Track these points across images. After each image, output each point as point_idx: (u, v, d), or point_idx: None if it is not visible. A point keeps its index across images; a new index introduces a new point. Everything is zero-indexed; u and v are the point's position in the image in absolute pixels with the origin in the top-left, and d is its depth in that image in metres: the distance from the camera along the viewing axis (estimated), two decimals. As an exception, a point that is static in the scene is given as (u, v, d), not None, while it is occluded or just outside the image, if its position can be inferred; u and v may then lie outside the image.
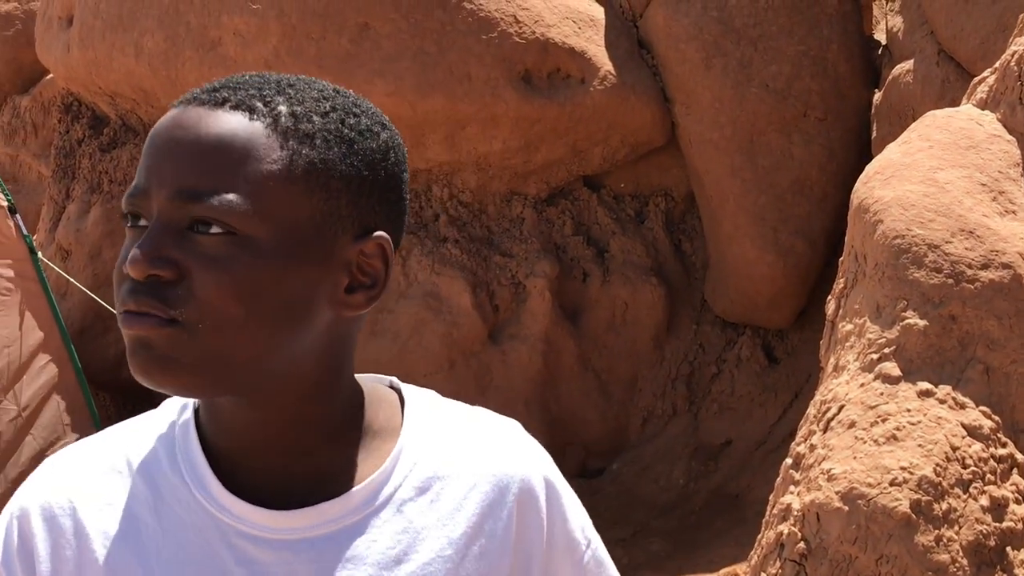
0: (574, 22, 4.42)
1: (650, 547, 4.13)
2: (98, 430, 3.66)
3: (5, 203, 3.73)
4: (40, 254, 3.86)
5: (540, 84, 4.37)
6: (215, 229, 0.76)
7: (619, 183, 4.87)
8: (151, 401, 4.06)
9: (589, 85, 4.38)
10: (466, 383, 4.35)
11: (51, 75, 5.47)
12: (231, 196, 0.76)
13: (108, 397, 4.91)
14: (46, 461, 0.87)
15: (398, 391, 0.90)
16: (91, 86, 4.82)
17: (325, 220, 0.79)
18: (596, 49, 4.43)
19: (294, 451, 0.83)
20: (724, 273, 4.58)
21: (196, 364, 0.77)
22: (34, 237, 4.12)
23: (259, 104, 0.79)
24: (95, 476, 0.84)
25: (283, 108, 0.79)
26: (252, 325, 0.77)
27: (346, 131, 0.80)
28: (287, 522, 0.81)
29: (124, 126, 4.95)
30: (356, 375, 0.88)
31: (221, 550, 0.81)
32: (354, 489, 0.83)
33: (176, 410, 0.87)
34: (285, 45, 4.20)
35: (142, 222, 0.78)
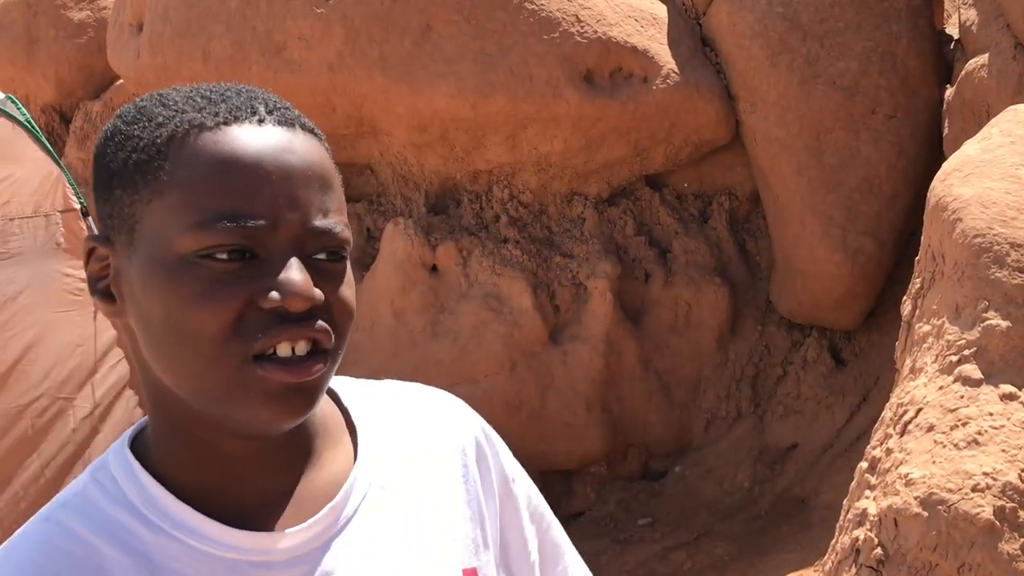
0: (636, 20, 4.39)
1: (714, 551, 4.07)
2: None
3: (78, 205, 3.82)
4: (112, 255, 3.95)
5: (602, 83, 4.35)
6: (335, 255, 0.76)
7: (682, 182, 4.82)
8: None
9: (651, 83, 4.35)
10: (527, 384, 4.34)
11: (121, 81, 5.59)
12: (342, 221, 0.76)
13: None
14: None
15: None
16: (160, 91, 4.92)
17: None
18: (659, 47, 4.39)
19: (282, 469, 0.81)
20: (790, 273, 4.51)
21: (322, 394, 0.77)
22: (106, 239, 4.22)
23: (310, 124, 0.79)
24: (61, 571, 0.74)
25: (306, 122, 0.80)
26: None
27: None
28: (298, 538, 0.79)
29: (191, 130, 5.04)
30: None
31: None
32: (342, 490, 0.82)
33: (99, 477, 0.79)
34: (348, 48, 4.24)
35: (234, 255, 0.73)
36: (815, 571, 3.53)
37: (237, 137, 0.74)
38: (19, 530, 0.77)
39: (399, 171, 4.69)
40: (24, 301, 3.61)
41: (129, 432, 0.83)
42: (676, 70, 4.38)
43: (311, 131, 0.78)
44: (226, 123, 0.74)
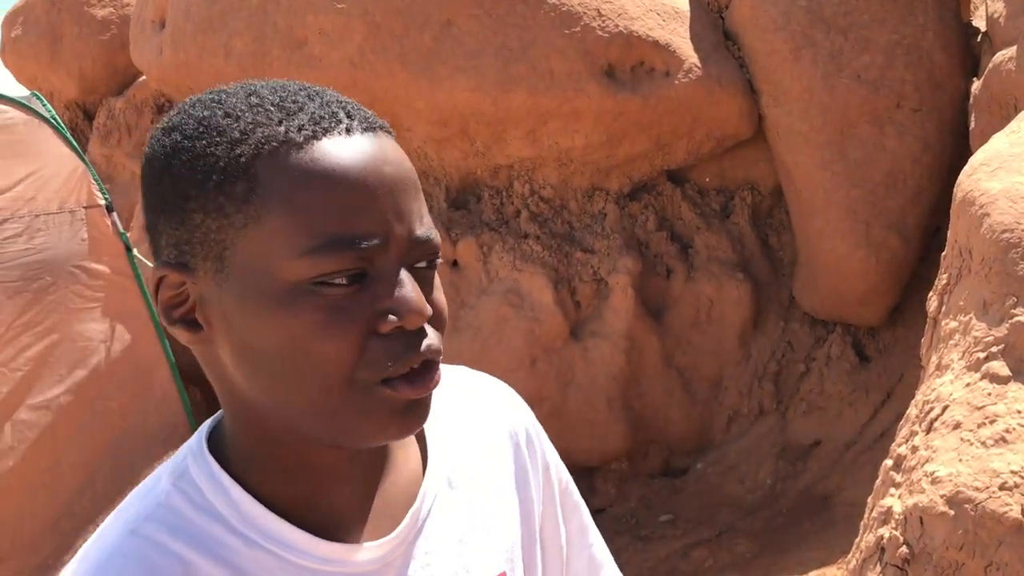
0: (658, 14, 4.36)
1: (736, 548, 4.05)
2: (191, 422, 3.72)
3: (103, 201, 3.85)
4: (136, 251, 3.97)
5: (623, 77, 4.32)
6: (430, 263, 0.75)
7: (704, 177, 4.79)
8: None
9: (674, 78, 4.32)
10: (547, 380, 4.33)
11: (144, 77, 5.62)
12: (433, 227, 0.75)
13: (199, 391, 5.03)
14: None
15: None
16: (182, 87, 4.94)
17: None
18: (681, 41, 4.36)
19: (371, 476, 0.81)
20: (813, 269, 4.47)
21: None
22: (129, 234, 4.24)
23: (388, 127, 0.77)
24: None
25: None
26: None
27: None
28: (388, 547, 0.79)
29: (213, 126, 5.06)
30: None
31: None
32: (419, 495, 0.82)
33: (182, 486, 0.76)
34: (369, 43, 4.24)
35: (345, 278, 0.70)
36: (838, 568, 3.50)
37: (332, 152, 0.70)
38: (100, 543, 0.74)
39: (419, 166, 4.69)
40: (49, 297, 3.63)
41: (202, 434, 0.79)
42: (698, 64, 4.35)
43: (387, 131, 0.75)
44: (315, 136, 0.70)
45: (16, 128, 3.64)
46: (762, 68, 4.40)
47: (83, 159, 3.85)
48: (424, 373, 0.72)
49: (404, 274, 0.71)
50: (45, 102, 3.81)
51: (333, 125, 0.71)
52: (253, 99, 0.72)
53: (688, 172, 4.79)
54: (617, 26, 4.26)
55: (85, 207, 3.77)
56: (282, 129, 0.69)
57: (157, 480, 0.77)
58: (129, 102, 5.94)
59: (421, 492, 0.83)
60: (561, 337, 4.40)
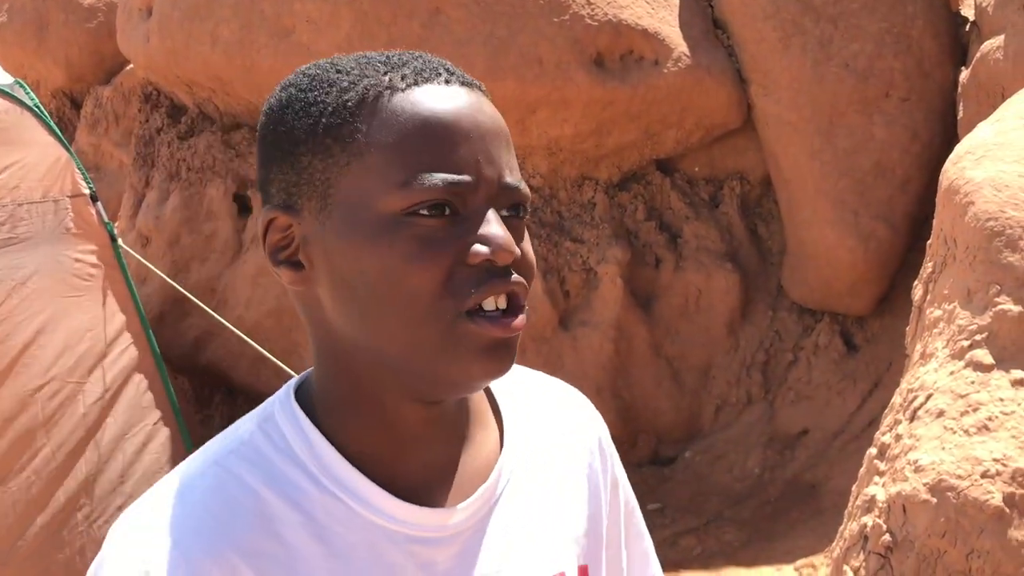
0: (647, 2, 4.35)
1: (724, 536, 4.06)
2: (176, 414, 3.70)
3: (87, 191, 3.82)
4: (120, 241, 3.95)
5: (612, 66, 4.31)
6: (519, 212, 0.78)
7: (693, 166, 4.78)
8: (227, 385, 4.12)
9: (663, 67, 4.31)
10: (536, 369, 4.33)
11: (131, 65, 5.59)
12: (522, 179, 0.79)
13: (186, 381, 5.02)
14: (156, 513, 0.75)
15: None
16: (169, 75, 4.91)
17: None
18: (670, 30, 4.35)
19: (449, 441, 0.82)
20: (802, 258, 4.47)
21: (517, 348, 0.78)
22: (115, 224, 4.22)
23: (480, 83, 0.81)
24: (237, 519, 0.75)
25: None
26: None
27: None
28: (455, 517, 0.80)
29: (201, 114, 5.04)
30: None
31: (399, 559, 0.78)
32: (493, 472, 0.83)
33: (266, 428, 0.79)
34: (357, 31, 4.22)
35: (446, 211, 0.74)
36: (826, 557, 3.51)
37: (431, 97, 0.75)
38: (182, 470, 0.77)
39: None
40: (33, 286, 3.61)
41: (291, 385, 0.82)
42: (687, 53, 4.34)
43: (485, 92, 0.80)
44: (416, 84, 0.76)
45: None
46: (751, 57, 4.39)
47: (67, 148, 3.82)
48: (507, 315, 0.75)
49: (492, 214, 0.75)
50: (29, 90, 3.78)
51: (433, 76, 0.76)
52: (362, 59, 0.78)
53: (677, 162, 4.78)
54: (606, 14, 4.24)
55: (69, 196, 3.75)
56: (387, 78, 0.75)
57: (243, 422, 0.81)
58: (117, 90, 5.90)
59: (497, 469, 0.83)
60: (550, 326, 4.39)
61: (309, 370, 0.83)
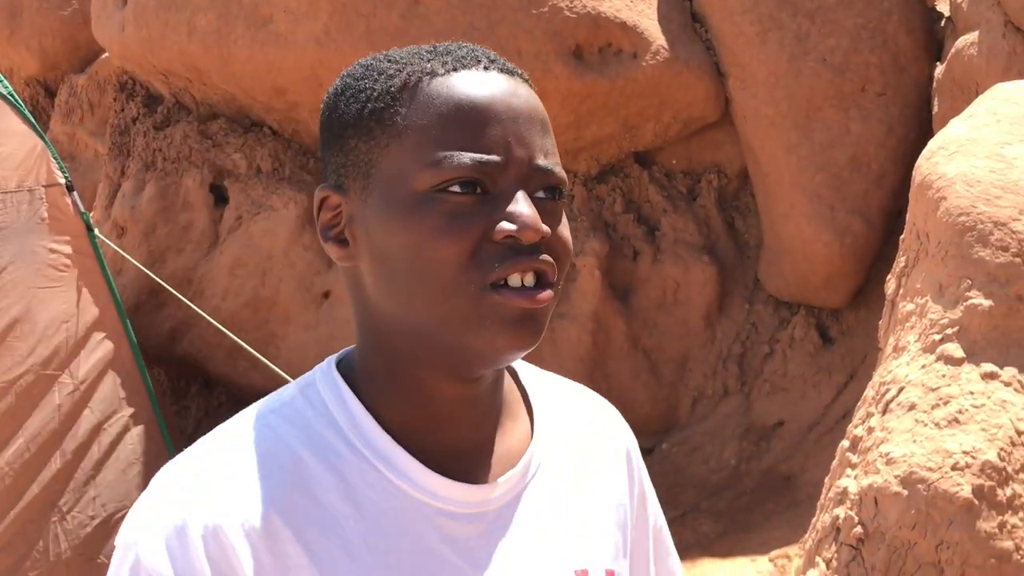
0: (626, -4, 4.35)
1: (700, 528, 4.09)
2: (153, 404, 3.68)
3: (63, 180, 3.79)
4: (97, 231, 3.92)
5: (591, 59, 4.32)
6: (554, 195, 0.80)
7: (671, 160, 4.80)
8: (203, 376, 4.09)
9: (641, 60, 4.32)
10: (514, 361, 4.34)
11: (107, 54, 5.54)
12: (559, 163, 0.81)
13: (162, 372, 4.99)
14: (193, 464, 0.78)
15: None
16: (145, 65, 4.87)
17: None
18: (648, 23, 4.36)
19: (481, 424, 0.85)
20: (778, 252, 4.50)
21: (545, 327, 0.80)
22: (91, 214, 4.19)
23: (524, 73, 0.84)
24: (273, 473, 0.77)
25: None
26: None
27: None
28: (485, 494, 0.82)
29: (177, 104, 5.00)
30: None
31: (425, 531, 0.80)
32: (522, 459, 0.85)
33: (308, 393, 0.83)
34: (335, 21, 4.20)
35: (479, 190, 0.77)
36: (800, 548, 3.55)
37: (467, 81, 0.79)
38: (224, 425, 0.81)
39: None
40: (8, 277, 3.58)
41: (332, 359, 0.86)
42: (666, 46, 4.35)
43: (528, 81, 0.83)
44: (455, 70, 0.79)
45: (-28, 105, 3.57)
46: (729, 51, 4.41)
47: (42, 137, 3.78)
48: (533, 289, 0.77)
49: (521, 194, 0.77)
50: (2, 78, 3.74)
51: (473, 63, 0.80)
52: (413, 49, 0.83)
53: (655, 155, 4.79)
54: (585, 7, 4.24)
55: (44, 186, 3.71)
56: (429, 65, 0.80)
57: (284, 389, 0.84)
58: (91, 79, 5.84)
59: (527, 456, 0.86)
60: (528, 319, 4.40)
61: (351, 347, 0.87)
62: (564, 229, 0.80)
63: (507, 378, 0.90)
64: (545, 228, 0.77)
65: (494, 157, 0.77)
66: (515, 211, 0.76)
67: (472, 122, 0.77)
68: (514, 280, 0.77)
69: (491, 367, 0.80)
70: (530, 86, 0.83)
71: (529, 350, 0.79)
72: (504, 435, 0.86)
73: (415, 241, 0.77)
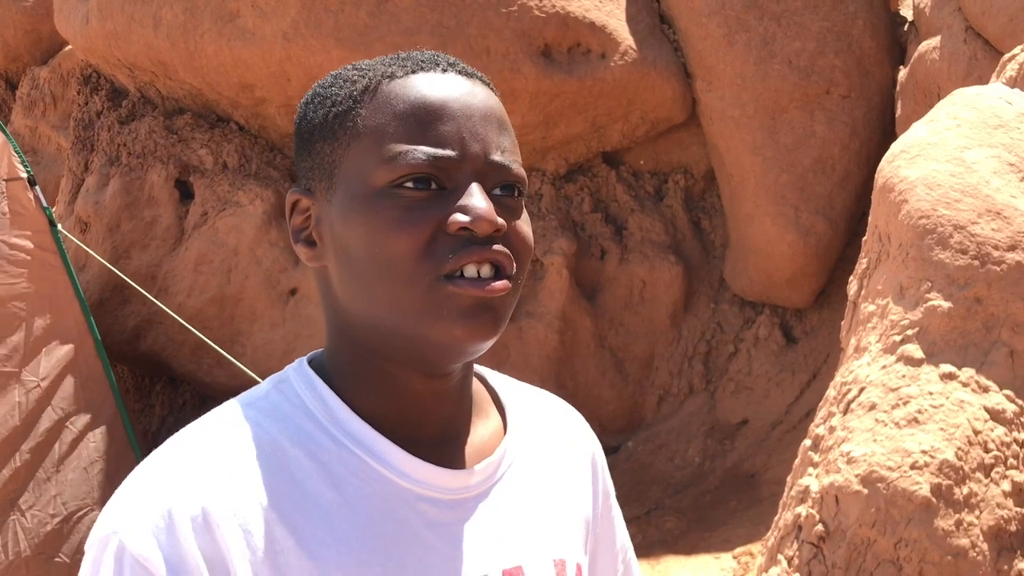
0: (595, -4, 4.37)
1: (664, 525, 4.12)
2: (117, 402, 3.65)
3: (25, 175, 3.74)
4: (60, 226, 3.87)
5: (560, 59, 4.33)
6: (512, 191, 0.82)
7: (638, 160, 4.83)
8: (168, 374, 4.05)
9: (610, 60, 4.34)
10: (482, 359, 4.32)
11: (70, 47, 5.46)
12: (519, 161, 0.83)
13: (126, 369, 4.94)
14: (177, 453, 0.78)
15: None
16: (110, 58, 4.81)
17: None
18: (617, 23, 4.38)
19: (453, 418, 0.87)
20: (743, 252, 4.55)
21: (507, 319, 0.81)
22: (53, 209, 4.13)
23: (486, 78, 0.86)
24: (257, 460, 0.78)
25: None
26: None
27: None
28: (464, 481, 0.84)
29: (143, 98, 4.94)
30: None
31: (409, 516, 0.81)
32: (496, 451, 0.88)
33: (282, 388, 0.84)
34: (304, 17, 4.18)
35: (434, 186, 0.79)
36: (763, 545, 3.58)
37: (424, 81, 0.81)
38: (200, 421, 0.81)
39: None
40: (-33, 272, 3.52)
41: (303, 358, 0.87)
42: (634, 47, 4.37)
43: (488, 84, 0.85)
44: (413, 72, 0.82)
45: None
46: (696, 52, 4.44)
47: (3, 131, 3.73)
48: (488, 279, 0.78)
49: (476, 187, 0.79)
50: (-37, 70, 3.68)
51: (432, 66, 0.83)
52: (380, 56, 0.86)
53: (623, 155, 4.82)
54: (553, 6, 4.26)
55: (5, 180, 3.66)
56: (390, 69, 0.82)
57: (259, 385, 0.86)
58: (54, 72, 5.76)
59: (502, 447, 0.88)
60: (495, 317, 4.40)
61: (320, 349, 0.89)
62: (523, 224, 0.82)
63: (475, 381, 0.93)
64: (500, 220, 0.78)
65: (448, 152, 0.79)
66: (468, 204, 0.78)
67: (427, 119, 0.79)
68: (470, 271, 0.78)
69: (455, 359, 0.82)
70: (491, 88, 0.85)
71: (488, 340, 0.80)
72: (476, 431, 0.88)
73: (372, 235, 0.78)
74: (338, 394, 0.83)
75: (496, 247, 0.79)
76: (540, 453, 0.93)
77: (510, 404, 0.93)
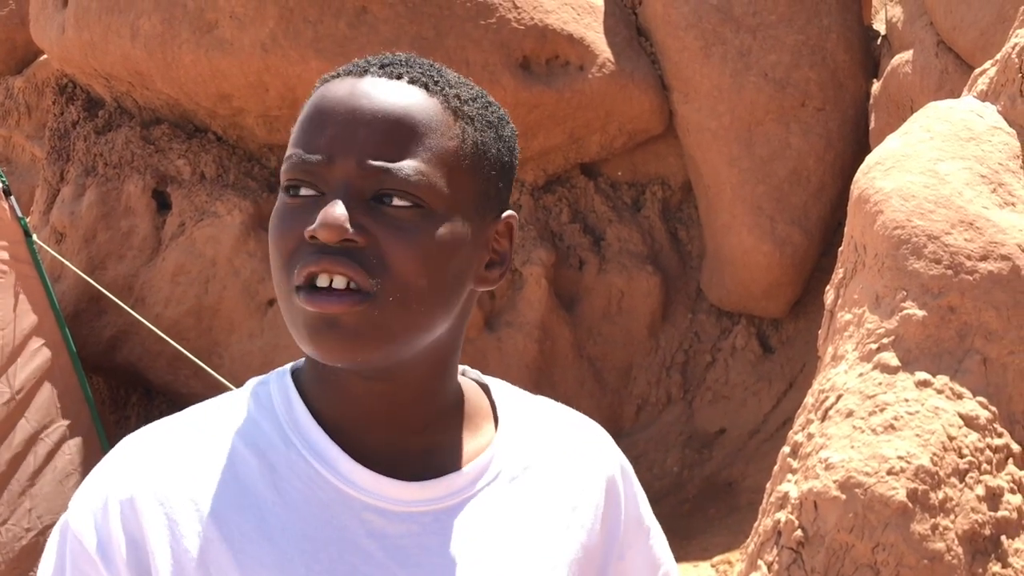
0: (573, 8, 4.41)
1: (643, 534, 4.14)
2: (92, 414, 3.63)
3: (0, 185, 3.71)
4: (35, 236, 3.84)
5: (538, 70, 4.36)
6: (401, 201, 0.76)
7: (616, 171, 4.86)
8: (144, 385, 4.03)
9: (588, 72, 4.37)
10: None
11: (45, 56, 5.43)
12: (418, 168, 0.76)
13: (101, 381, 4.90)
14: (133, 441, 0.82)
15: (474, 379, 0.92)
16: (86, 68, 4.79)
17: (482, 199, 0.81)
18: (595, 36, 4.42)
19: (411, 426, 0.83)
20: (720, 262, 4.59)
21: (381, 339, 0.77)
22: (28, 219, 4.10)
23: (431, 83, 0.80)
24: (202, 453, 0.80)
25: (449, 90, 0.81)
26: (431, 298, 0.78)
27: (492, 116, 0.83)
28: (416, 494, 0.81)
29: (119, 109, 4.92)
30: None
31: (350, 524, 0.80)
32: (469, 465, 0.84)
33: (258, 390, 0.85)
34: (282, 28, 4.18)
35: (305, 191, 0.77)
36: (741, 553, 3.61)
37: (331, 87, 0.79)
38: (176, 413, 0.85)
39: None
40: (-59, 282, 3.49)
41: (290, 364, 0.88)
42: (612, 59, 4.41)
43: (424, 85, 0.79)
44: (337, 76, 0.80)
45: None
46: (673, 64, 4.49)
47: (-21, 140, 3.70)
48: (331, 293, 0.75)
49: (341, 195, 0.75)
50: (-62, 80, 3.66)
51: (357, 69, 0.80)
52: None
53: (601, 166, 4.85)
54: (532, 19, 4.29)
55: (-19, 190, 3.64)
56: (330, 74, 0.81)
57: (244, 385, 0.87)
58: (29, 81, 5.73)
59: (468, 468, 0.84)
60: (475, 327, 4.42)
61: None
62: (407, 235, 0.76)
63: (475, 392, 0.90)
64: (346, 228, 0.74)
65: (315, 156, 0.76)
66: (322, 211, 0.74)
67: (310, 124, 0.78)
68: (321, 281, 0.75)
69: (344, 366, 0.79)
70: (429, 93, 0.79)
71: (347, 359, 0.76)
72: (454, 447, 0.85)
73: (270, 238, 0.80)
74: (307, 398, 0.83)
75: (334, 257, 0.74)
76: (531, 474, 0.87)
77: (506, 420, 0.89)
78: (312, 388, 0.83)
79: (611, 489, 0.92)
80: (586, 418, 0.97)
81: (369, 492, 0.80)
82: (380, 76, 0.79)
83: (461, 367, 0.91)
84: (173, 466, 0.79)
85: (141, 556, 0.77)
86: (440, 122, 0.79)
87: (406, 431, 0.83)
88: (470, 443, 0.86)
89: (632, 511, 0.95)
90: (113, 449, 0.82)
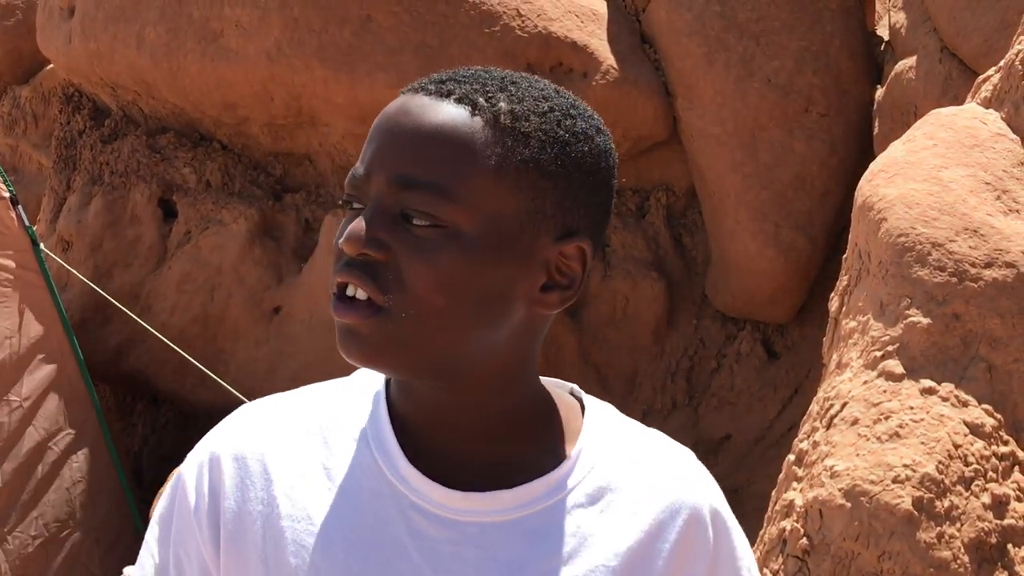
0: (577, 16, 4.42)
1: (649, 541, 4.14)
2: (100, 422, 3.65)
3: (7, 194, 3.73)
4: (42, 245, 3.86)
5: (543, 78, 4.37)
6: (422, 221, 0.78)
7: (620, 177, 4.85)
8: (150, 393, 4.06)
9: (591, 79, 4.38)
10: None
11: (52, 65, 5.46)
12: (441, 188, 0.77)
13: (108, 389, 4.92)
14: (241, 409, 0.90)
15: (579, 399, 0.92)
16: (92, 77, 4.81)
17: (530, 218, 0.80)
18: (598, 43, 4.43)
19: (478, 438, 0.85)
20: (725, 268, 4.59)
21: (398, 352, 0.80)
22: (35, 228, 4.12)
23: (481, 100, 0.80)
24: (285, 431, 0.87)
25: (503, 105, 0.81)
26: (451, 316, 0.79)
27: (561, 132, 0.82)
28: (462, 503, 0.83)
29: (125, 118, 4.95)
30: (540, 378, 0.90)
31: (394, 518, 0.83)
32: (531, 483, 0.84)
33: (371, 378, 0.89)
34: (287, 37, 4.20)
35: (356, 204, 0.81)
36: (746, 560, 3.60)
37: (392, 102, 0.83)
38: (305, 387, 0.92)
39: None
40: (-51, 292, 3.51)
41: None
42: (615, 66, 4.42)
43: (473, 105, 0.80)
44: (404, 92, 0.84)
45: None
46: (677, 71, 4.49)
47: (-14, 150, 3.72)
48: (349, 302, 0.79)
49: (368, 209, 0.79)
50: (-55, 90, 3.68)
51: (417, 85, 0.83)
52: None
53: (605, 172, 4.86)
54: (536, 26, 4.30)
55: (-12, 200, 3.66)
56: (403, 89, 0.85)
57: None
58: (35, 91, 5.75)
59: (536, 485, 0.83)
60: (479, 334, 4.43)
61: None
62: (421, 258, 0.77)
63: (570, 411, 0.89)
64: (364, 241, 0.77)
65: (360, 171, 0.80)
66: (350, 224, 0.79)
67: (367, 138, 0.82)
68: (348, 291, 0.79)
69: (390, 375, 0.86)
70: (475, 111, 0.79)
71: (371, 366, 0.82)
72: (522, 460, 0.84)
73: None
74: (388, 397, 0.88)
75: (354, 269, 0.78)
76: (600, 504, 0.84)
77: (588, 445, 0.86)
78: (393, 387, 0.88)
79: (689, 532, 0.87)
80: (683, 452, 0.92)
81: (414, 489, 0.83)
82: (430, 94, 0.81)
83: (569, 386, 0.92)
84: (262, 436, 0.86)
85: (217, 510, 0.84)
86: (478, 141, 0.79)
87: (468, 441, 0.85)
88: (543, 463, 0.85)
89: (725, 563, 0.89)
90: (236, 410, 0.91)
